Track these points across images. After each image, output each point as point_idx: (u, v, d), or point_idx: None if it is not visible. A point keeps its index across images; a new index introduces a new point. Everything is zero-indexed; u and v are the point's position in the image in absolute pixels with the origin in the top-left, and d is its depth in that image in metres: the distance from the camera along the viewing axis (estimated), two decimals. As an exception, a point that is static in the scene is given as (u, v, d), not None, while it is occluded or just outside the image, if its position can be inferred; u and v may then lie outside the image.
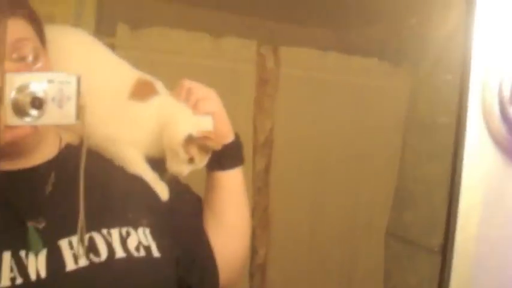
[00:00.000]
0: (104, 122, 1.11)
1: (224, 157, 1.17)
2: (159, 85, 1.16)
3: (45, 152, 1.08)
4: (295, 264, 2.64)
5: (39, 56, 1.01)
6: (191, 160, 1.11)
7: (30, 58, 0.99)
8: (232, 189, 1.21)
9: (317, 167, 2.66)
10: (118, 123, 1.13)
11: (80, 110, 0.92)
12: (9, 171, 1.03)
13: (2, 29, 0.95)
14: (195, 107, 1.12)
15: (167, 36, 2.37)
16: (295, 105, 2.57)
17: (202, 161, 1.12)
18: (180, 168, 1.12)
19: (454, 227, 0.98)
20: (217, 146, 1.11)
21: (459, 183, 0.99)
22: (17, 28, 0.98)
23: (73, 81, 0.92)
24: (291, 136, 2.58)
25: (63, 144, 1.11)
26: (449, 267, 0.98)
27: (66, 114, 0.92)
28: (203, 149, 1.11)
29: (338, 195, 2.72)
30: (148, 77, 1.17)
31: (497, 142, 1.10)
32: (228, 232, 1.22)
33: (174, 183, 1.17)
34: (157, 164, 1.15)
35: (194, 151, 1.10)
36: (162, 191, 1.15)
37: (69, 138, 1.12)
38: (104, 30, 2.20)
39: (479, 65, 1.01)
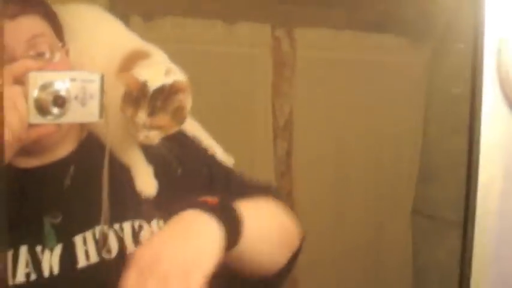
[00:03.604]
0: None
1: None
2: (155, 54, 1.08)
3: (65, 146, 1.08)
4: (322, 247, 2.63)
5: (56, 51, 1.02)
6: (132, 117, 1.00)
7: (47, 54, 1.00)
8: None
9: (339, 147, 2.64)
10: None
11: (103, 109, 0.93)
12: (29, 168, 1.04)
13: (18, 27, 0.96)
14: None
15: (180, 25, 2.36)
16: (313, 87, 2.55)
17: (137, 116, 1.00)
18: (136, 133, 1.01)
19: (474, 201, 0.96)
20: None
21: (477, 155, 0.97)
22: (32, 25, 0.99)
23: (96, 79, 0.92)
24: (311, 118, 2.56)
25: (84, 134, 1.11)
26: (471, 242, 0.96)
27: (89, 113, 0.92)
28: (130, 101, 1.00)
29: (362, 174, 2.70)
30: (143, 47, 1.09)
31: (516, 111, 1.07)
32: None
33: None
34: None
35: (130, 108, 1.00)
36: (146, 187, 1.07)
37: (90, 125, 1.10)
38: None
39: (492, 31, 0.98)
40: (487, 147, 1.01)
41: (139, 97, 0.98)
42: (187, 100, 1.03)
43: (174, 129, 1.03)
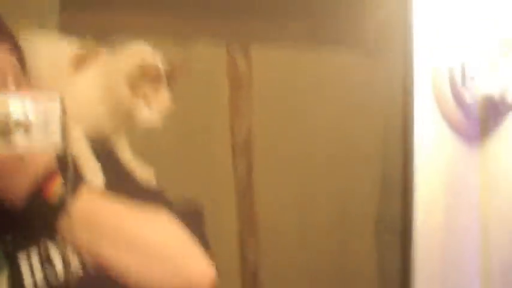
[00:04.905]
0: None
1: None
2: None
3: None
4: (287, 265, 2.61)
5: (21, 84, 1.02)
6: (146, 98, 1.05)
7: (12, 88, 0.99)
8: None
9: (300, 165, 2.62)
10: None
11: (64, 129, 0.92)
12: None
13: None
14: None
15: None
16: (271, 104, 2.54)
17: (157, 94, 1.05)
18: (144, 115, 1.06)
19: (410, 219, 0.94)
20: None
21: (412, 173, 0.95)
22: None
23: (56, 99, 0.92)
24: (271, 136, 2.55)
25: None
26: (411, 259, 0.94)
27: (51, 134, 0.91)
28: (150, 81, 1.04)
29: (325, 191, 2.67)
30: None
31: (455, 128, 1.06)
32: None
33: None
34: None
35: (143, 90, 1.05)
36: (93, 177, 1.07)
37: None
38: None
39: (424, 52, 0.97)
40: (424, 164, 1.00)
41: (156, 76, 1.06)
42: None
43: None
